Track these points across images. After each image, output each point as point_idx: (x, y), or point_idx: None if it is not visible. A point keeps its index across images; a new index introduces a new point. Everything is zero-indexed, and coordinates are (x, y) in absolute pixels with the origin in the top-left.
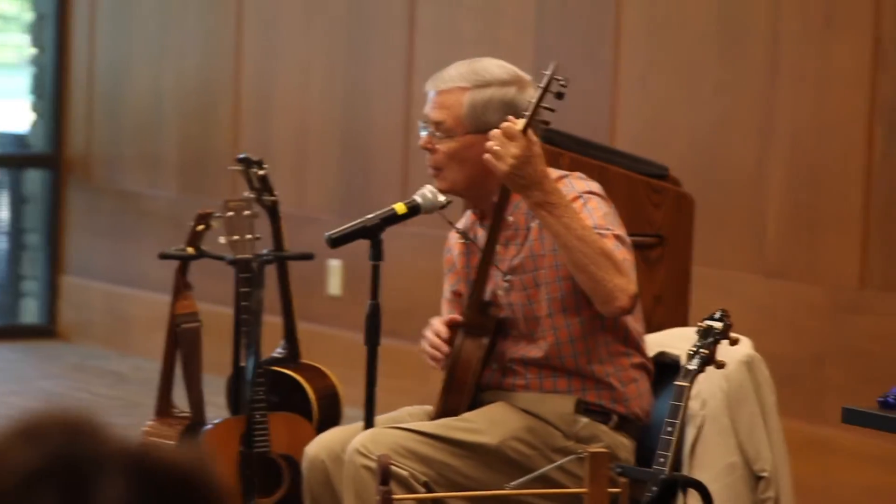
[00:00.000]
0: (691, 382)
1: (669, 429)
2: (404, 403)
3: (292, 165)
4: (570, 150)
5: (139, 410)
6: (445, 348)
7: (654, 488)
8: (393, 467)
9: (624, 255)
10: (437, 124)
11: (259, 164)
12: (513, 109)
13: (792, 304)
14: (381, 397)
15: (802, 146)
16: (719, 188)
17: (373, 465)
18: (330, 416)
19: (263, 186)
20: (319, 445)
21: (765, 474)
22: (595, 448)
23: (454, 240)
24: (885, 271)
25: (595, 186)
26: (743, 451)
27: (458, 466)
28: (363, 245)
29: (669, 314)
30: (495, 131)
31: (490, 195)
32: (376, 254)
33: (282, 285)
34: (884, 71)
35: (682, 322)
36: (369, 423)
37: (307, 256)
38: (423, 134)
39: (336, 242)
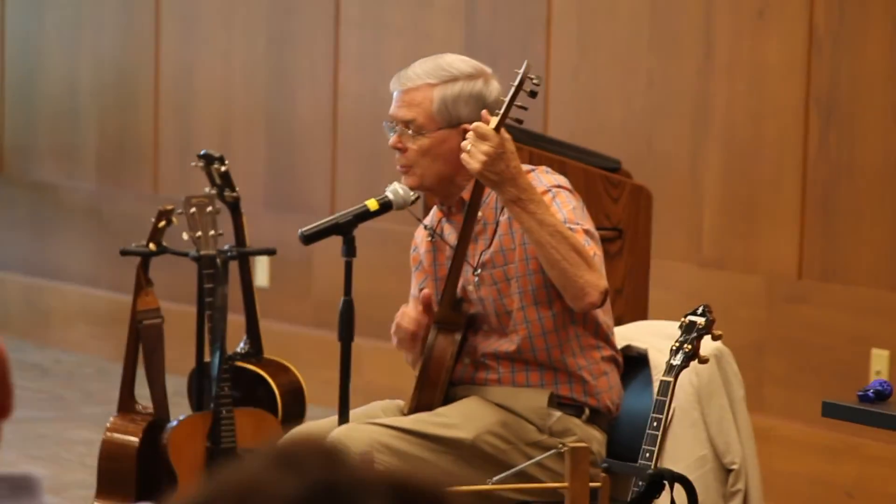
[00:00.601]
0: (676, 378)
1: (655, 424)
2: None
3: None
4: (526, 144)
5: (64, 403)
6: (424, 319)
7: (641, 483)
8: None
9: (594, 250)
10: (408, 122)
11: (221, 161)
12: (482, 102)
13: (729, 294)
14: (317, 388)
15: (737, 137)
16: (653, 179)
17: None
18: (294, 411)
19: (225, 182)
20: None
21: (734, 467)
22: (570, 442)
23: (420, 237)
24: (824, 261)
25: (563, 180)
26: (713, 444)
27: (433, 461)
28: (290, 236)
29: (629, 307)
30: (469, 133)
31: (459, 191)
32: (349, 250)
33: (244, 281)
34: (819, 61)
35: (643, 314)
36: (344, 419)
37: (269, 252)
38: (391, 134)
39: (309, 239)
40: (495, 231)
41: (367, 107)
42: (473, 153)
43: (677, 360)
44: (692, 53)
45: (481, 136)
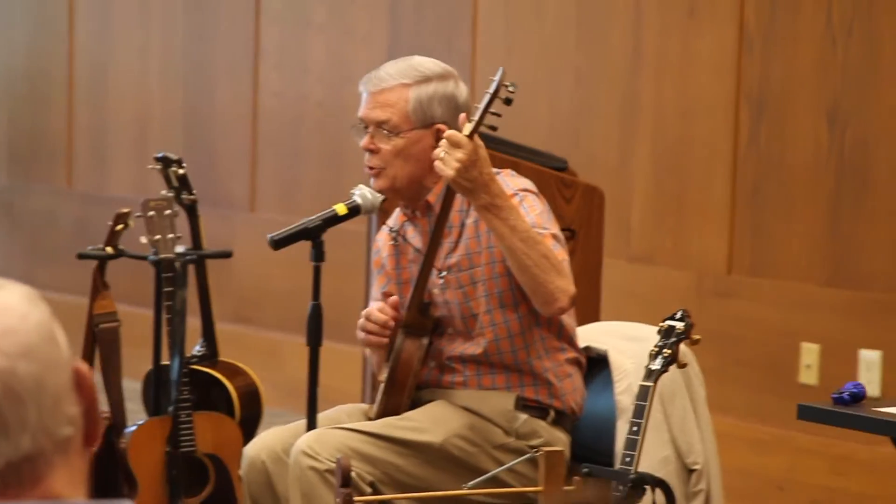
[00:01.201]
0: (656, 382)
1: (635, 428)
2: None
3: (132, 151)
4: None
5: None
6: (391, 323)
7: (622, 487)
8: None
9: (562, 255)
10: (381, 123)
11: (178, 163)
12: (454, 102)
13: (659, 289)
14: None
15: (667, 133)
16: (583, 175)
17: (319, 465)
18: (252, 414)
19: (182, 185)
20: (259, 446)
21: (697, 467)
22: (536, 444)
23: (382, 241)
24: (753, 256)
25: (529, 184)
26: (676, 444)
27: (402, 465)
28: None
29: (582, 307)
30: (442, 140)
31: (426, 193)
32: (318, 255)
33: (200, 284)
34: (749, 59)
35: (595, 315)
36: (312, 424)
37: (226, 254)
38: (361, 136)
39: (278, 244)
40: (461, 234)
41: (289, 102)
42: (447, 160)
43: (657, 365)
44: (621, 51)
45: (455, 144)
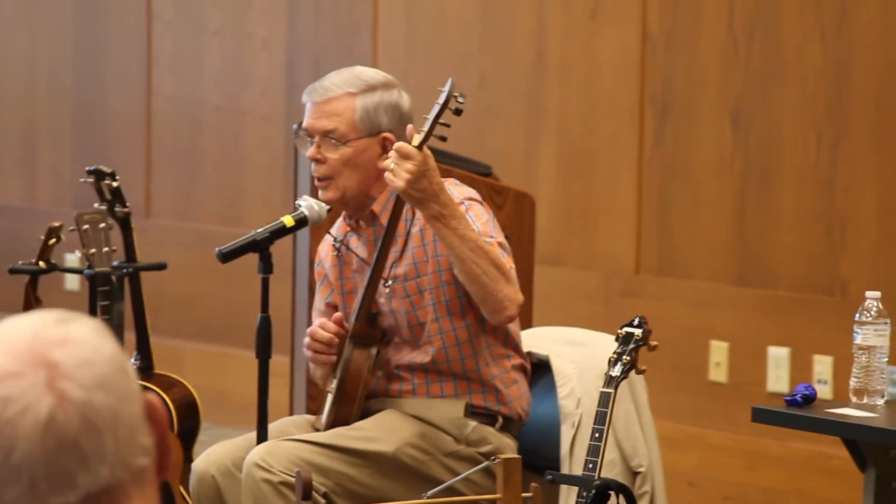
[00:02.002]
0: (616, 389)
1: (598, 435)
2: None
3: (20, 158)
4: None
5: None
6: (336, 340)
7: (585, 493)
8: (292, 479)
9: (509, 263)
10: (328, 132)
11: (112, 176)
12: (399, 111)
13: (566, 290)
14: None
15: (572, 135)
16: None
17: (273, 478)
18: (190, 426)
19: (115, 198)
20: (208, 460)
21: (641, 469)
22: (485, 450)
23: (325, 251)
24: (661, 256)
25: (473, 192)
26: (620, 447)
27: (355, 475)
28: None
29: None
30: (391, 152)
31: (371, 203)
32: (266, 267)
33: (134, 297)
34: (653, 61)
35: (527, 320)
36: (263, 437)
37: (160, 266)
38: (307, 146)
39: (227, 257)
40: (406, 243)
41: (184, 107)
42: (397, 171)
43: (616, 371)
44: (524, 55)
45: (405, 155)
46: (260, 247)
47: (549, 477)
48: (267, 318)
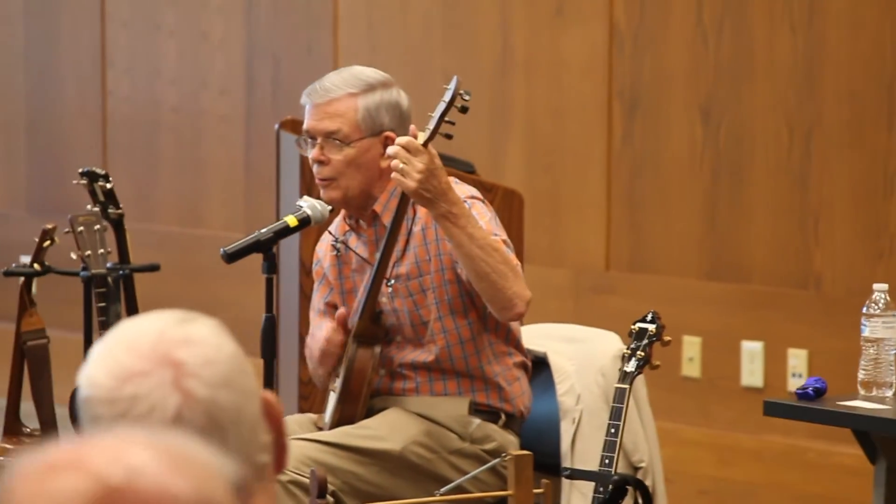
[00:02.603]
0: (631, 384)
1: (613, 430)
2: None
3: None
4: None
5: None
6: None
7: (602, 489)
8: (301, 478)
9: (515, 260)
10: (330, 133)
11: (105, 178)
12: (398, 110)
13: (536, 287)
14: None
15: (539, 133)
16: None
17: (282, 477)
18: None
19: (108, 200)
20: None
21: (642, 465)
22: (501, 450)
23: (323, 251)
24: (631, 252)
25: (474, 190)
26: (622, 443)
27: (362, 474)
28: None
29: None
30: (397, 148)
31: (373, 203)
32: (270, 267)
33: (128, 298)
34: (620, 57)
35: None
36: None
37: (153, 268)
38: (308, 150)
39: (232, 257)
40: (408, 242)
41: (140, 107)
42: (408, 171)
43: (631, 367)
44: (489, 51)
45: (414, 152)
46: (263, 247)
47: (567, 472)
48: (272, 317)
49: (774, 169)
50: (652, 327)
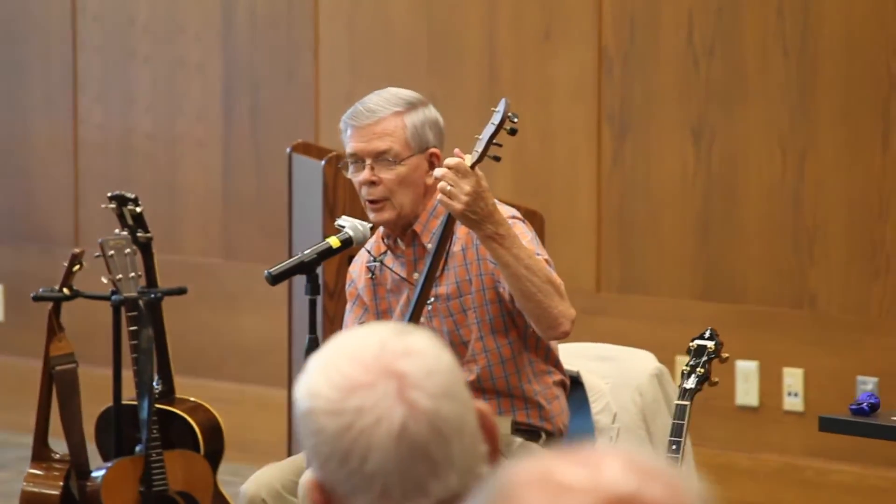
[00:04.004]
0: (691, 401)
1: (675, 447)
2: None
3: None
4: None
5: None
6: None
7: None
8: None
9: (559, 279)
10: (381, 153)
11: (135, 202)
12: (438, 127)
13: None
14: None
15: (527, 156)
16: None
17: None
18: (216, 448)
19: (137, 224)
20: (258, 483)
21: None
22: None
23: (357, 272)
24: (622, 274)
25: (514, 210)
26: (683, 460)
27: None
28: (26, 264)
29: None
30: (444, 170)
31: (415, 222)
32: (314, 288)
33: (155, 322)
34: (609, 80)
35: None
36: None
37: (181, 291)
38: (356, 172)
39: (276, 279)
40: (446, 262)
41: (114, 134)
42: (455, 193)
43: (690, 384)
44: (475, 75)
45: (462, 174)
46: (307, 268)
47: None
48: (315, 339)
49: (768, 190)
50: (710, 344)
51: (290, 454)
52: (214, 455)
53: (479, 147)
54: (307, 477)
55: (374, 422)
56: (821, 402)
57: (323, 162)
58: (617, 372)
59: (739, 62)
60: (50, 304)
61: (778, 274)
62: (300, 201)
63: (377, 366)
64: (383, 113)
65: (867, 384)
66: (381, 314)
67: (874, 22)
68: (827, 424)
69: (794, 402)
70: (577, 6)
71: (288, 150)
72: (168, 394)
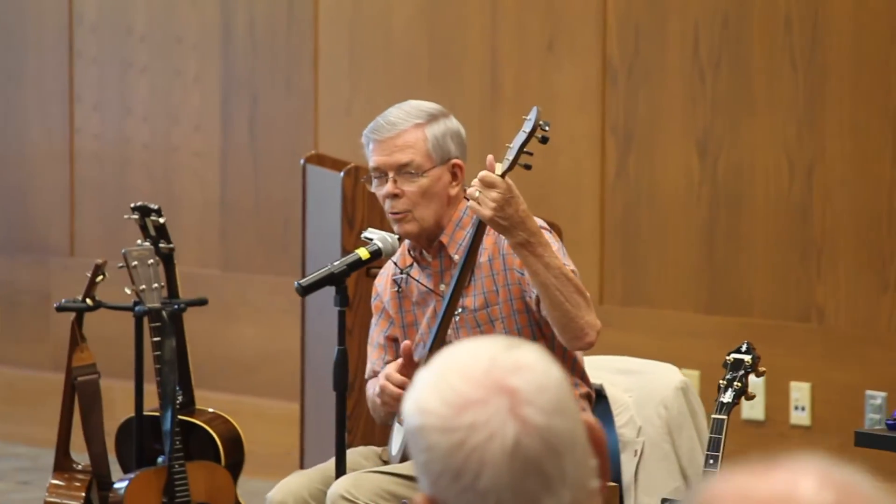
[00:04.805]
0: (728, 414)
1: (712, 461)
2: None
3: None
4: None
5: None
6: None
7: None
8: None
9: (586, 290)
10: (403, 166)
11: (158, 213)
12: (459, 138)
13: None
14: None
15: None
16: None
17: None
18: (236, 459)
19: (160, 234)
20: (284, 492)
21: None
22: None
23: (383, 285)
24: (626, 286)
25: (542, 222)
26: (685, 475)
27: None
28: (20, 274)
29: None
30: (474, 181)
31: (441, 233)
32: (343, 300)
33: (177, 332)
34: (614, 91)
35: None
36: (342, 469)
37: (202, 302)
38: (380, 185)
39: (306, 290)
40: (473, 273)
41: (111, 144)
42: (483, 200)
43: (727, 398)
44: (477, 86)
45: (489, 185)
46: (337, 280)
47: (664, 500)
48: (344, 350)
49: (775, 202)
50: (747, 358)
51: (302, 464)
52: (235, 466)
53: (511, 155)
54: (338, 487)
55: (487, 438)
56: (828, 417)
57: (342, 173)
58: (640, 385)
59: (746, 74)
60: (73, 315)
61: (784, 287)
62: (314, 212)
63: (488, 382)
64: (404, 125)
65: (876, 399)
66: (407, 327)
67: (883, 34)
68: (863, 440)
69: (800, 417)
70: (581, 17)
71: (302, 161)
72: (188, 405)
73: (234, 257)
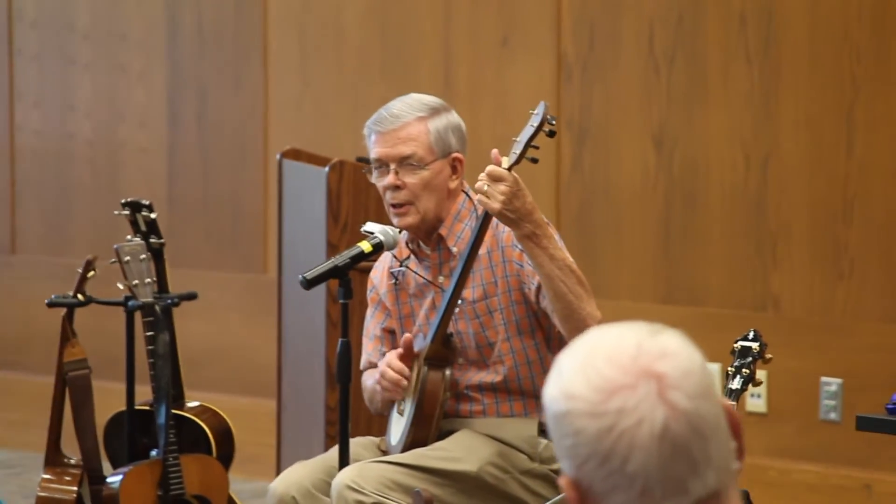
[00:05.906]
0: (737, 402)
1: None
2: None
3: None
4: None
5: None
6: (408, 373)
7: None
8: (384, 499)
9: (586, 281)
10: (406, 158)
11: (149, 209)
12: (460, 131)
13: None
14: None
15: (485, 162)
16: None
17: (366, 499)
18: (227, 453)
19: (150, 230)
20: (287, 483)
21: None
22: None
23: (379, 278)
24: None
25: (542, 215)
26: None
27: (440, 495)
28: None
29: None
30: (482, 175)
31: (440, 226)
32: (346, 292)
33: (169, 327)
34: (569, 86)
35: None
36: (345, 460)
37: (192, 296)
38: (381, 177)
39: (310, 283)
40: (471, 266)
41: (52, 140)
42: (491, 193)
43: (736, 384)
44: (430, 82)
45: (496, 179)
46: (340, 273)
47: None
48: (347, 342)
49: (731, 194)
50: (755, 345)
51: (279, 460)
52: (226, 458)
53: (517, 149)
54: (343, 477)
55: (636, 423)
56: (784, 404)
57: (327, 168)
58: None
59: (701, 69)
60: (64, 310)
61: (740, 277)
62: (290, 207)
63: (636, 367)
64: (407, 118)
65: (831, 385)
66: (404, 319)
67: (837, 29)
68: (865, 424)
69: (757, 404)
70: (535, 13)
71: (278, 156)
72: (178, 398)
73: (182, 253)
